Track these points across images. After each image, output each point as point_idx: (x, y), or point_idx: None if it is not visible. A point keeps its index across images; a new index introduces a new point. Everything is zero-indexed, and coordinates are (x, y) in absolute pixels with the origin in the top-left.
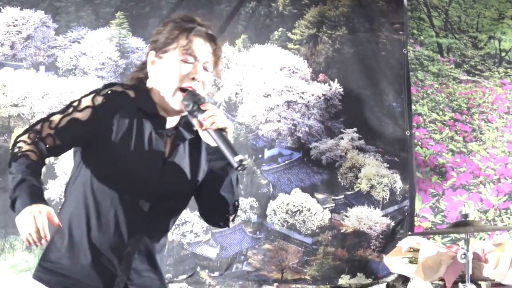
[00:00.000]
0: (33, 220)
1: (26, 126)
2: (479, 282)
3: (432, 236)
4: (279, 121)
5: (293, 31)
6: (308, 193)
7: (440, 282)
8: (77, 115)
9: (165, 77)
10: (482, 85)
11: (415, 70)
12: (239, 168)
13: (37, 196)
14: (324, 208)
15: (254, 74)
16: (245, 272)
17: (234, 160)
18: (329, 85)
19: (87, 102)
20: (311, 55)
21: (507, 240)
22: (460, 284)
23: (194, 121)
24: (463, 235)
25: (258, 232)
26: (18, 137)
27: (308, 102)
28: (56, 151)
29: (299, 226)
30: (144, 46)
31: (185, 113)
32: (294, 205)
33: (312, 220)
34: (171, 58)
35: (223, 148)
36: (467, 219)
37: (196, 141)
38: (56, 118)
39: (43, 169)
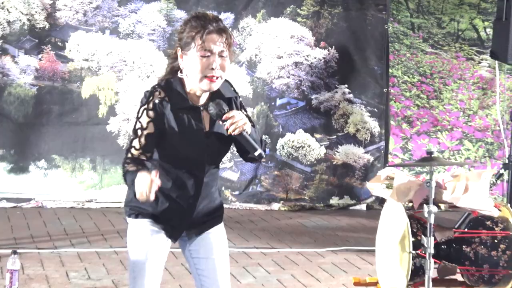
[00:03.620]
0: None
1: (94, 76)
2: (439, 204)
3: (402, 168)
4: (288, 77)
5: (301, 8)
6: (309, 133)
7: (410, 204)
8: (146, 132)
9: (192, 69)
10: (442, 57)
11: (393, 42)
12: (258, 159)
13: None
14: (321, 145)
15: (270, 40)
16: (259, 192)
17: (254, 154)
18: (328, 50)
19: (145, 119)
20: (315, 27)
21: (462, 173)
22: (424, 205)
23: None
24: (425, 169)
25: (269, 162)
26: (123, 165)
27: (311, 63)
28: (151, 157)
29: (301, 158)
30: (186, 16)
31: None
32: (298, 142)
33: (311, 154)
34: (193, 54)
35: (246, 146)
36: (432, 155)
37: (229, 104)
38: (136, 142)
39: (106, 109)
